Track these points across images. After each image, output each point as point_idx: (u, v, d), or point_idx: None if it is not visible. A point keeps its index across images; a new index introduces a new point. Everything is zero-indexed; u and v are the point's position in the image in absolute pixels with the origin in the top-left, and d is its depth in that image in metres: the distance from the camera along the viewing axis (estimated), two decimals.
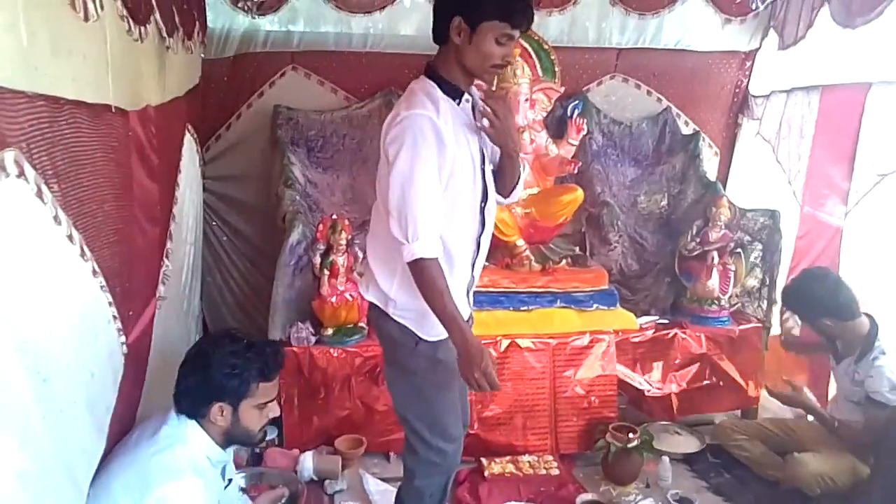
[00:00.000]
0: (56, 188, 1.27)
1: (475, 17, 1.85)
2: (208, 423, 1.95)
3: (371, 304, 2.12)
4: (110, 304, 1.64)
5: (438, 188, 1.89)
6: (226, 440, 2.00)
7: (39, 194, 1.19)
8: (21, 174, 1.11)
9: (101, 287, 1.56)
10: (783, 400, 3.11)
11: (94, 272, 1.50)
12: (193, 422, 1.94)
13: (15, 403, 1.14)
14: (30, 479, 1.21)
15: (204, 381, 1.91)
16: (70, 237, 1.34)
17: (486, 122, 1.99)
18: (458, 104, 1.98)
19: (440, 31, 1.93)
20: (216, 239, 3.83)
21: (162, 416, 1.98)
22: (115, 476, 1.80)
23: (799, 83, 3.83)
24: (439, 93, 1.93)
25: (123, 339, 1.82)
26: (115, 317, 1.70)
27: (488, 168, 2.09)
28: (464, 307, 2.05)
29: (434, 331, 2.02)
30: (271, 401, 2.03)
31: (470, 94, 2.04)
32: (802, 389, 3.02)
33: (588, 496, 2.83)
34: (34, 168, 1.17)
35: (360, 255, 3.18)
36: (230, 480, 2.16)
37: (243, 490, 2.56)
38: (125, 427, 2.09)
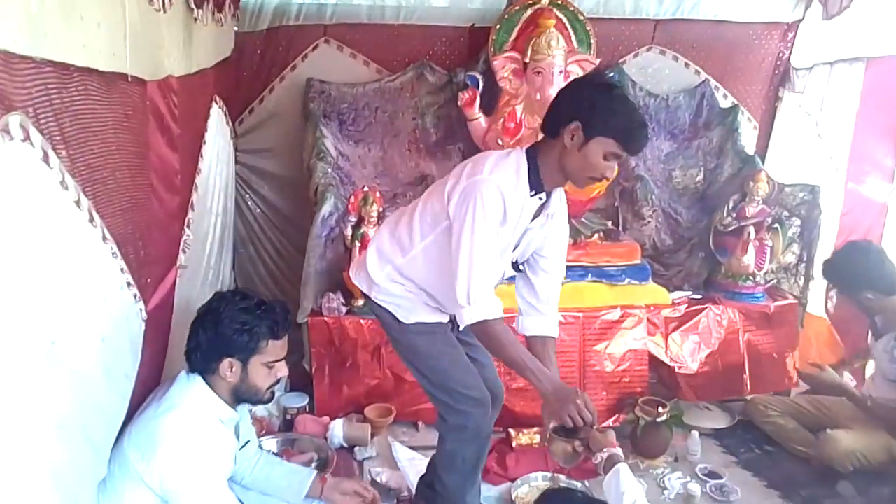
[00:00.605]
0: (64, 153, 1.28)
1: (594, 129, 1.90)
2: (217, 379, 1.96)
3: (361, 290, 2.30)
4: (123, 270, 1.65)
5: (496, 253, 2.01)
6: (234, 397, 2.01)
7: (46, 159, 1.20)
8: (27, 138, 1.12)
9: (113, 253, 1.56)
10: (810, 382, 3.07)
11: (104, 238, 1.50)
12: (201, 380, 1.96)
13: (21, 363, 1.16)
14: (40, 439, 1.25)
15: (215, 336, 1.93)
16: (78, 202, 1.34)
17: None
18: (531, 195, 2.02)
19: (553, 126, 1.98)
20: (249, 211, 3.87)
21: (173, 378, 2.01)
22: (128, 436, 1.84)
23: (843, 55, 3.71)
24: (526, 177, 1.99)
25: (142, 305, 1.84)
26: (129, 283, 1.71)
27: (510, 258, 2.16)
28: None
29: (412, 317, 2.21)
30: (280, 360, 2.04)
31: (547, 196, 2.07)
32: (828, 370, 2.98)
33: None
34: (41, 133, 1.17)
35: None
36: (247, 442, 2.19)
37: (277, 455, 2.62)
38: (149, 392, 2.14)
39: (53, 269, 1.28)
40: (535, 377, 1.97)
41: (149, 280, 1.90)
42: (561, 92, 2.08)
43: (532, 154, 2.02)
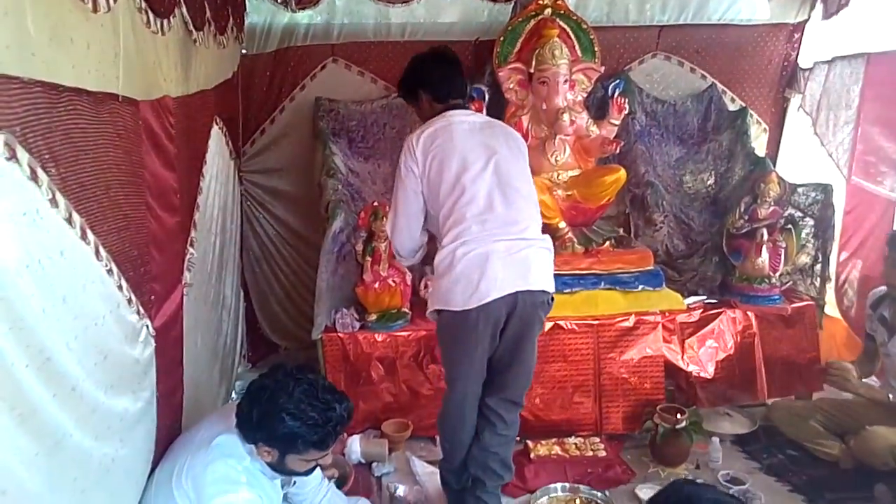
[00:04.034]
0: (54, 172, 1.28)
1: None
2: (257, 451, 1.96)
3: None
4: (120, 287, 1.64)
5: None
6: (272, 469, 2.00)
7: (34, 177, 1.20)
8: (12, 157, 1.13)
9: (108, 270, 1.56)
10: (838, 386, 3.02)
11: (98, 255, 1.50)
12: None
13: (14, 380, 1.16)
14: (40, 455, 1.25)
15: (259, 423, 1.89)
16: (69, 220, 1.34)
17: None
18: None
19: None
20: (263, 231, 3.92)
21: (224, 421, 2.00)
22: (176, 478, 1.88)
23: (842, 52, 3.70)
24: None
25: (147, 321, 1.85)
26: (130, 300, 1.71)
27: None
28: None
29: None
30: (322, 457, 2.01)
31: None
32: (853, 379, 2.93)
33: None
34: (28, 152, 1.18)
35: None
36: (294, 482, 2.20)
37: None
38: (174, 407, 2.15)
39: (45, 287, 1.27)
40: None
41: (152, 297, 1.90)
42: None
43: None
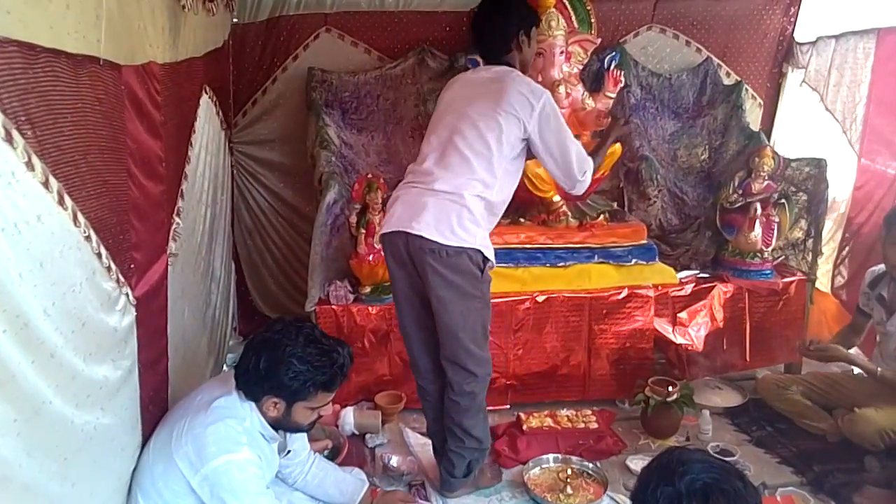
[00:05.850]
0: (30, 134, 1.25)
1: (532, 27, 2.50)
2: (261, 407, 1.98)
3: (446, 249, 2.28)
4: (99, 255, 1.62)
5: None
6: (274, 426, 2.02)
7: (9, 139, 1.17)
8: None
9: (86, 237, 1.53)
10: (817, 357, 3.03)
11: (76, 221, 1.47)
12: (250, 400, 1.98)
13: None
14: (18, 422, 1.24)
15: (266, 374, 1.91)
16: (46, 184, 1.31)
17: None
18: None
19: (505, 46, 2.46)
20: (255, 203, 3.88)
21: (223, 385, 2.01)
22: (175, 440, 1.88)
23: (851, 27, 3.67)
24: None
25: (128, 290, 1.82)
26: (109, 268, 1.69)
27: None
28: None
29: (491, 253, 2.40)
30: (326, 404, 2.04)
31: None
32: (834, 346, 2.95)
33: None
34: (3, 112, 1.15)
35: None
36: (288, 451, 2.22)
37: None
38: (158, 377, 2.14)
39: (21, 251, 1.25)
40: None
41: (132, 266, 1.88)
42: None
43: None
